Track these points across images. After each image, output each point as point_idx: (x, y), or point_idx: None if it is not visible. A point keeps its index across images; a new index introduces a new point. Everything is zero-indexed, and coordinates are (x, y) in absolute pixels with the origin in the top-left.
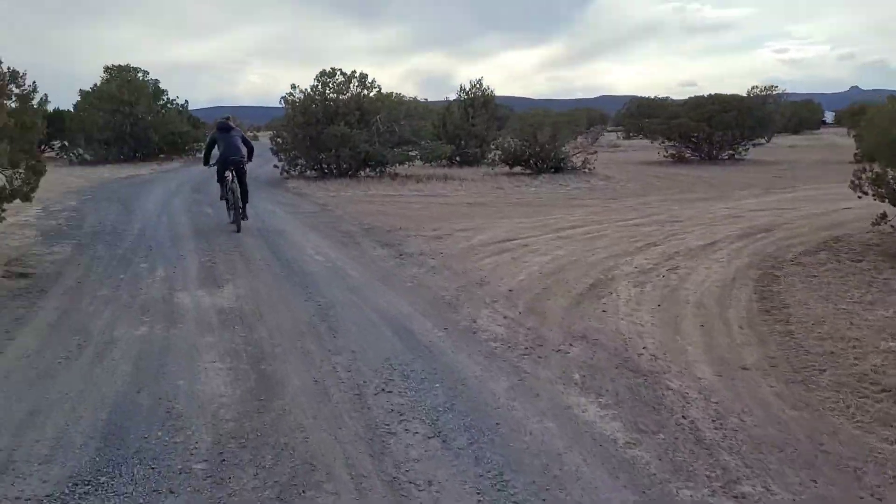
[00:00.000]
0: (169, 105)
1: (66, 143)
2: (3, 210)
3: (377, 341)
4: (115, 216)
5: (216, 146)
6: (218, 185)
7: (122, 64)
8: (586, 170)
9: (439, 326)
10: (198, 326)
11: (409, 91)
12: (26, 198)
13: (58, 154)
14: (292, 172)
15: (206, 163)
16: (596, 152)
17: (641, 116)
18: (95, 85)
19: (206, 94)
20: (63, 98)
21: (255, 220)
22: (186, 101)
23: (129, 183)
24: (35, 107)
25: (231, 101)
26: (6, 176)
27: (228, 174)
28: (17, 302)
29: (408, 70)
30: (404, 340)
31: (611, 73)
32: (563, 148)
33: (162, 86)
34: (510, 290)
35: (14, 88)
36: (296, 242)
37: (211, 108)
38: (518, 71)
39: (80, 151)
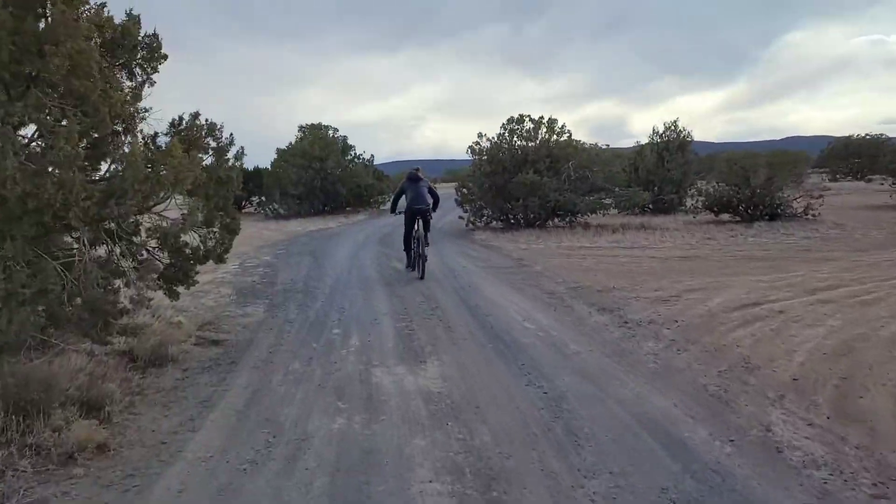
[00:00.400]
0: (356, 160)
1: (264, 198)
2: (197, 272)
3: (640, 457)
4: (307, 272)
5: (404, 195)
6: (403, 235)
7: (314, 122)
8: (809, 216)
9: (721, 436)
10: (404, 421)
11: (581, 138)
12: (220, 259)
13: (256, 209)
14: (478, 223)
15: (394, 210)
16: (822, 196)
17: (850, 156)
18: (290, 143)
19: (386, 149)
20: (263, 158)
21: (449, 278)
22: (372, 156)
23: (320, 236)
24: (230, 161)
25: (409, 155)
26: (200, 235)
27: (414, 223)
28: (206, 377)
29: (580, 118)
30: (678, 458)
31: (798, 113)
32: (781, 192)
33: (349, 141)
34: (794, 379)
35: (211, 141)
36: (497, 304)
37: (390, 162)
38: (695, 114)
39: (276, 206)
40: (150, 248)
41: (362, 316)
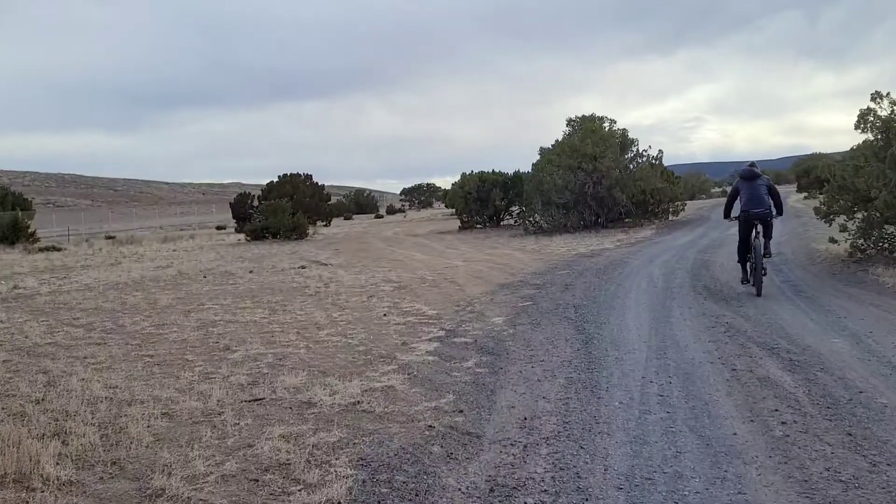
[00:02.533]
0: (639, 158)
1: (524, 208)
2: None
3: None
4: (561, 388)
5: (738, 198)
6: (738, 245)
7: (585, 114)
8: None
9: None
10: None
11: None
12: None
13: (516, 221)
14: (869, 250)
15: (727, 216)
16: None
17: None
18: (557, 140)
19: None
20: (528, 164)
21: None
22: (660, 152)
23: (590, 266)
24: None
25: (685, 159)
26: None
27: (751, 230)
28: None
29: None
30: None
31: None
32: None
33: (631, 135)
34: None
35: None
36: None
37: (666, 165)
38: None
39: (537, 217)
40: None
41: None
